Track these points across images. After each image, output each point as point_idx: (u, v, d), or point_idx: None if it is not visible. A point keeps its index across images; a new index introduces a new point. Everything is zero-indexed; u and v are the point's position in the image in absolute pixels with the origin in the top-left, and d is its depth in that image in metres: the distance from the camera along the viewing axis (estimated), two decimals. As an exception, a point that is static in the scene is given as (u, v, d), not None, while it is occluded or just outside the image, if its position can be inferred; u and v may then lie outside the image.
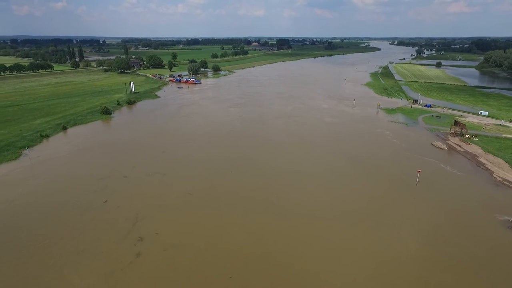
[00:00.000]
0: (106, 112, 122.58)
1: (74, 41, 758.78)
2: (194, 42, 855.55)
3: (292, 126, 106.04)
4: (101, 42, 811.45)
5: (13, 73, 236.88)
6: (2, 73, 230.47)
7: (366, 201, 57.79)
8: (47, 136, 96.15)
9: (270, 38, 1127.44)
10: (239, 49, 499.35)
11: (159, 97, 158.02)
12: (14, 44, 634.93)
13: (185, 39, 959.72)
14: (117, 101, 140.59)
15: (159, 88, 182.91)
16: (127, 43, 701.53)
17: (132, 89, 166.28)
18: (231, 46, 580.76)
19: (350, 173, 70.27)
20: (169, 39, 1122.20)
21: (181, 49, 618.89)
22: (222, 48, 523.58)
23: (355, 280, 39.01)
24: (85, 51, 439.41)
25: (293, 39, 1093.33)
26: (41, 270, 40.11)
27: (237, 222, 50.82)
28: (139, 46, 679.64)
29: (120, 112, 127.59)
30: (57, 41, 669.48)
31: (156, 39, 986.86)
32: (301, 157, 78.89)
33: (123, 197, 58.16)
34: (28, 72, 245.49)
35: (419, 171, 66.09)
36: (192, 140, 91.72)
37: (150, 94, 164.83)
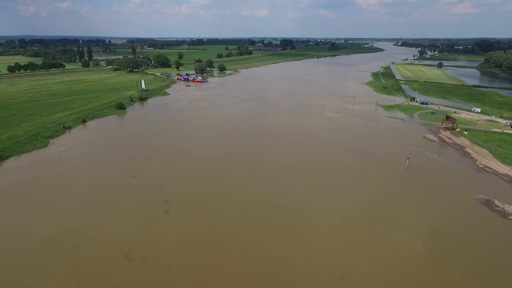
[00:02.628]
0: (121, 107, 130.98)
1: (81, 41, 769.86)
2: (199, 42, 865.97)
3: (295, 119, 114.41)
4: (106, 42, 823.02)
5: (27, 71, 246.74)
6: (17, 71, 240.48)
7: (361, 183, 65.45)
8: (69, 128, 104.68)
9: (274, 39, 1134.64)
10: (243, 49, 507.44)
11: (169, 94, 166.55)
12: (23, 44, 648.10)
13: (189, 39, 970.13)
14: (130, 97, 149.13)
15: (168, 86, 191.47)
16: (132, 43, 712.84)
17: (143, 86, 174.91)
18: (235, 47, 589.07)
19: (345, 159, 77.92)
20: (173, 39, 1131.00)
21: (186, 49, 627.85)
22: (227, 48, 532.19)
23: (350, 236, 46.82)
24: (92, 51, 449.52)
25: (297, 40, 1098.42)
26: (93, 221, 50.76)
27: (248, 188, 61.83)
28: (144, 46, 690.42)
29: (133, 107, 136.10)
30: (63, 41, 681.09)
31: (161, 39, 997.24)
32: (301, 144, 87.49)
33: (149, 172, 68.02)
34: (41, 70, 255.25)
35: (408, 158, 73.68)
36: (204, 130, 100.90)
37: (160, 91, 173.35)
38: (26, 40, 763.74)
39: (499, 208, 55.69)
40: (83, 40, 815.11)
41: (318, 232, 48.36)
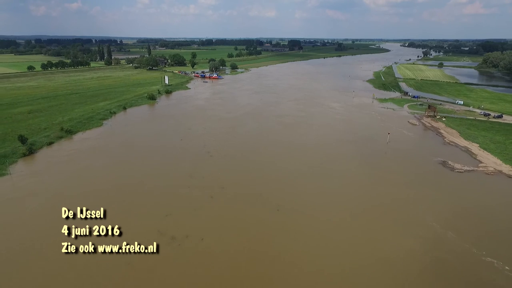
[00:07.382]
0: (152, 98, 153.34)
1: (93, 41, 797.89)
2: (208, 42, 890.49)
3: (301, 106, 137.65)
4: (118, 42, 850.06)
5: (58, 68, 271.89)
6: (49, 69, 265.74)
7: (350, 149, 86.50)
8: (115, 113, 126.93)
9: (282, 39, 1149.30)
10: (252, 50, 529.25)
11: (190, 88, 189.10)
12: (41, 44, 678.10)
13: (198, 40, 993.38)
14: (158, 90, 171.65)
15: (187, 82, 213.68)
16: (143, 43, 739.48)
17: (166, 81, 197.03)
18: (244, 47, 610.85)
19: (340, 134, 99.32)
20: (182, 39, 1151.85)
21: (196, 49, 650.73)
22: (236, 49, 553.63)
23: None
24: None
25: (304, 40, 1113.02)
26: (163, 163, 75.27)
27: (264, 145, 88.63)
28: (156, 46, 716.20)
29: (162, 99, 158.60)
30: (77, 41, 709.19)
31: (170, 39, 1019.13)
32: (305, 123, 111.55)
33: (192, 137, 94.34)
34: (70, 68, 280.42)
35: (389, 133, 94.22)
36: (227, 113, 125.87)
37: (181, 86, 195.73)
38: (42, 40, 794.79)
39: (450, 166, 75.98)
40: (95, 40, 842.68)
41: (309, 170, 69.42)
